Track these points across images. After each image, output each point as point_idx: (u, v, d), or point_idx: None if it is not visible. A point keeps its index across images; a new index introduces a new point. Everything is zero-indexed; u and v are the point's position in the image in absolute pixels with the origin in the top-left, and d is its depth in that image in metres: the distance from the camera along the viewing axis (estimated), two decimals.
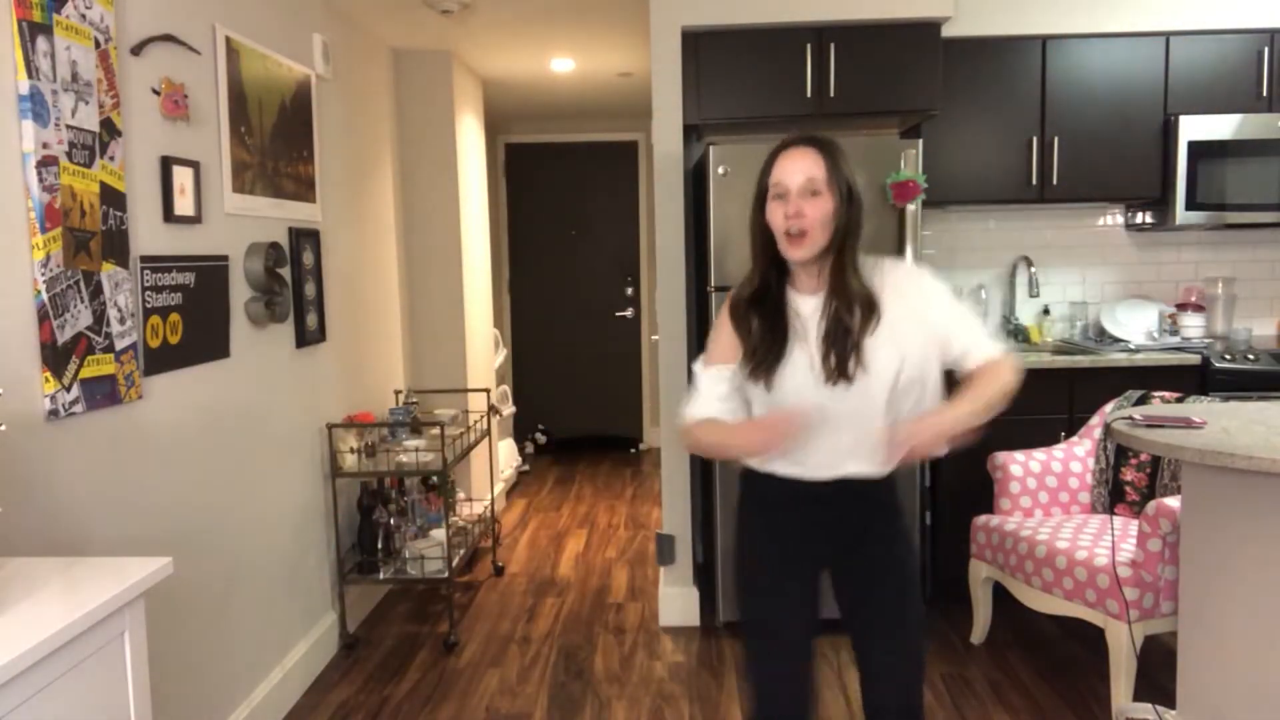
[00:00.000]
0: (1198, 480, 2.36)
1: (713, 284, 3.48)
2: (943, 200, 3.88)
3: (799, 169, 1.82)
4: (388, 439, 3.72)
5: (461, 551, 4.06)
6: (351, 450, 3.60)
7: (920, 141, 3.42)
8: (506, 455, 5.89)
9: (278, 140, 3.12)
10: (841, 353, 1.82)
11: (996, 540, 3.26)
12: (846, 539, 1.96)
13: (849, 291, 1.84)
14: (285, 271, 3.16)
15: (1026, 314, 4.23)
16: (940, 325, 1.88)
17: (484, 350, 5.37)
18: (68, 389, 2.06)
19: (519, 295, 7.05)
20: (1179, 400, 3.26)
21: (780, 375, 1.85)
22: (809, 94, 3.60)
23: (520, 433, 6.91)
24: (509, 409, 6.11)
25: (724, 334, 1.94)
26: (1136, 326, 4.07)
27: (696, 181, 3.79)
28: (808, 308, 1.88)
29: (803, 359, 1.85)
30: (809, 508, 1.94)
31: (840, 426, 1.86)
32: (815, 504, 1.93)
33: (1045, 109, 3.82)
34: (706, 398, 1.94)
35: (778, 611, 1.99)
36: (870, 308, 1.85)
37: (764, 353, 1.86)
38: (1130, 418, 2.40)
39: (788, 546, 1.99)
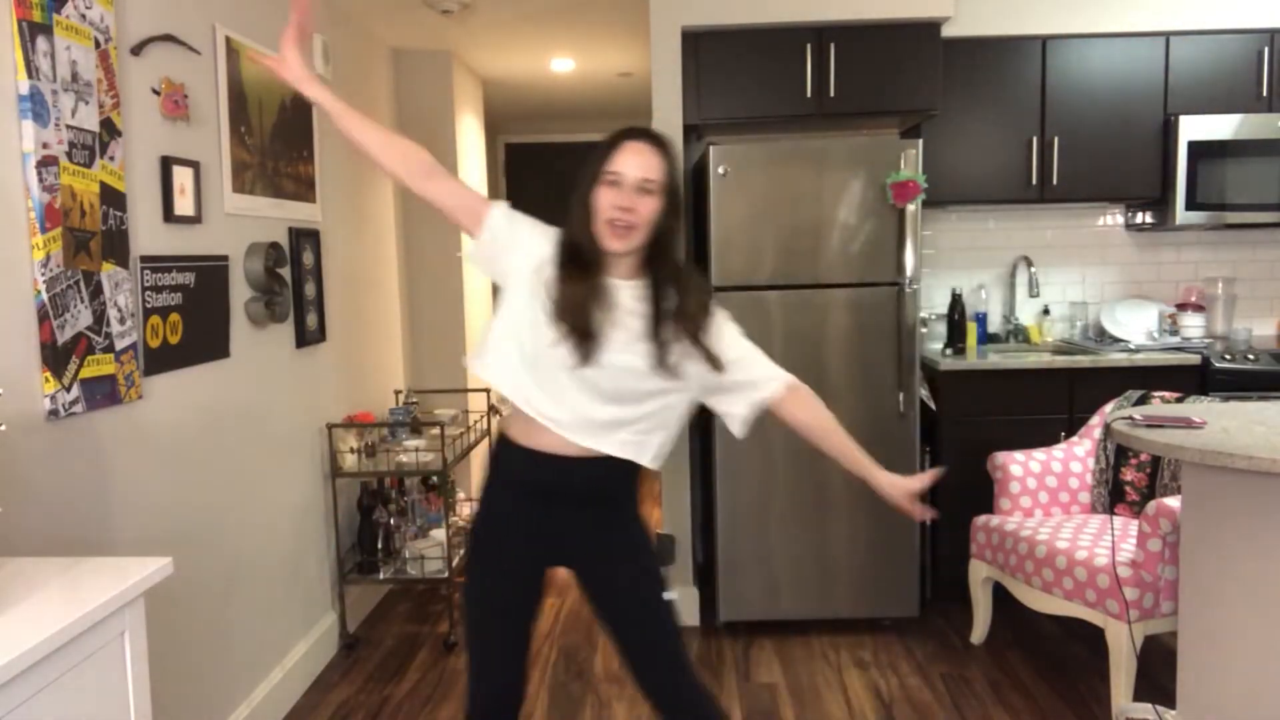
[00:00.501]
0: (1198, 480, 2.36)
1: (713, 284, 3.48)
2: (943, 200, 3.88)
3: (641, 164, 1.80)
4: (388, 439, 3.72)
5: (461, 551, 4.06)
6: (351, 450, 3.60)
7: (920, 141, 3.42)
8: None
9: (278, 140, 3.12)
10: (674, 344, 1.82)
11: (996, 540, 3.26)
12: (579, 524, 1.93)
13: (679, 280, 1.85)
14: (285, 271, 3.16)
15: (1026, 314, 4.23)
16: (731, 354, 1.89)
17: None
18: (68, 389, 2.05)
19: None
20: (1179, 400, 3.26)
21: (594, 354, 1.80)
22: (809, 94, 3.60)
23: None
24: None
25: (522, 229, 1.89)
26: (1136, 326, 4.07)
27: (696, 181, 3.79)
28: (622, 289, 1.84)
29: (617, 344, 1.81)
30: (547, 483, 1.90)
31: (597, 403, 1.83)
32: (555, 480, 1.90)
33: (1045, 109, 3.82)
34: (509, 336, 1.87)
35: (498, 586, 1.95)
36: (700, 300, 1.86)
37: (583, 330, 1.79)
38: (1130, 418, 2.40)
39: (518, 525, 1.94)
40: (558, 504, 1.92)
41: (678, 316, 1.84)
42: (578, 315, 1.79)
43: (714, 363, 1.85)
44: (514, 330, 1.86)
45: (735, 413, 1.95)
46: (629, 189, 1.79)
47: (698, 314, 1.85)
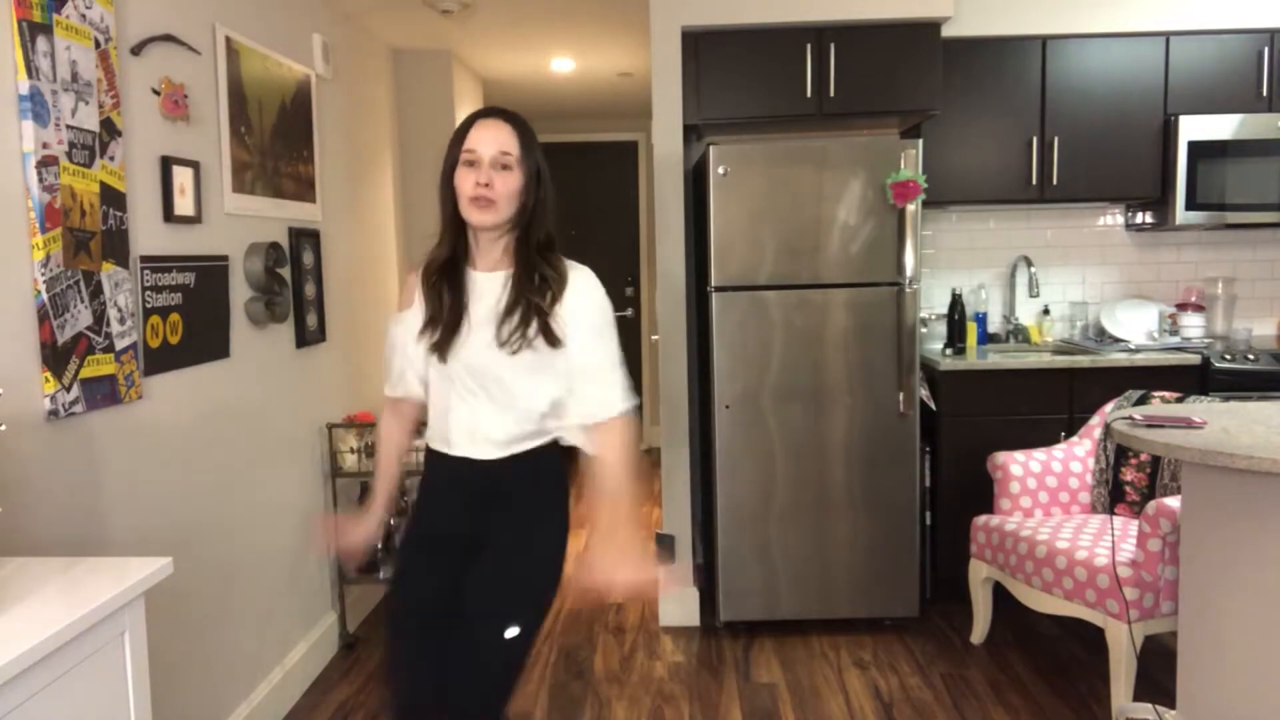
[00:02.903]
0: (1198, 480, 2.36)
1: (713, 284, 3.48)
2: (943, 200, 3.88)
3: (493, 140, 1.83)
4: None
5: None
6: (351, 450, 3.60)
7: (920, 141, 3.42)
8: None
9: (278, 140, 3.12)
10: (525, 325, 1.82)
11: (996, 540, 3.26)
12: (479, 522, 1.92)
13: (536, 266, 1.86)
14: (285, 271, 3.16)
15: (1026, 314, 4.23)
16: (581, 347, 1.87)
17: None
18: (68, 389, 2.05)
19: None
20: (1179, 400, 3.26)
21: (456, 348, 1.86)
22: (809, 94, 3.60)
23: None
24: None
25: (410, 289, 1.98)
26: (1136, 326, 4.07)
27: (696, 181, 3.79)
28: (486, 282, 1.89)
29: (480, 332, 1.85)
30: (456, 486, 1.94)
31: (496, 401, 1.86)
32: (461, 482, 1.92)
33: (1045, 109, 3.82)
34: (400, 354, 1.98)
35: (413, 586, 1.98)
36: (551, 282, 1.86)
37: (444, 324, 1.86)
38: (1130, 418, 2.40)
39: (435, 523, 1.99)
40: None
41: (528, 300, 1.84)
42: (434, 306, 1.88)
43: (551, 340, 1.84)
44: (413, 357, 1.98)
45: (570, 431, 1.92)
46: (486, 166, 1.82)
47: (543, 296, 1.85)
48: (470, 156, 1.83)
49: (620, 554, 1.81)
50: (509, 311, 1.84)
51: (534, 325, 1.83)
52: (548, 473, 1.95)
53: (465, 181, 1.83)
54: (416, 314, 1.92)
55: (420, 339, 1.89)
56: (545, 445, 1.92)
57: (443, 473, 1.96)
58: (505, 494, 1.91)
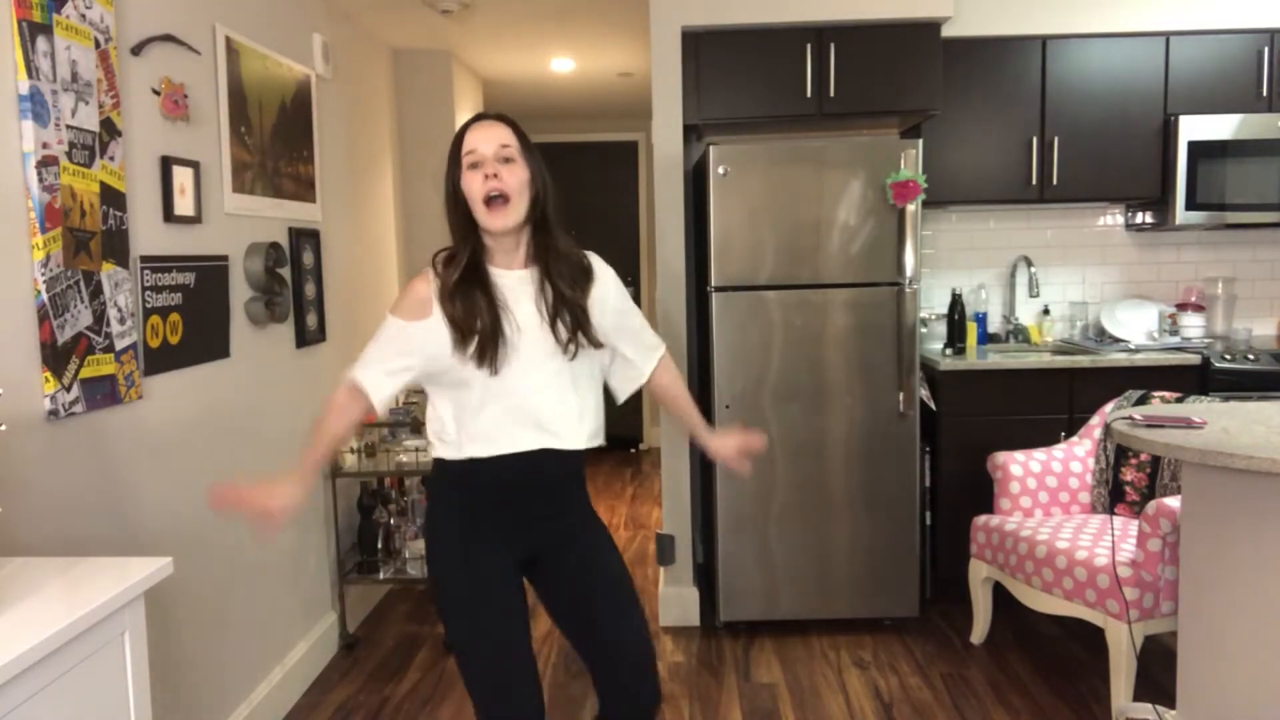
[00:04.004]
0: (1198, 480, 2.36)
1: (713, 284, 3.48)
2: (943, 200, 3.88)
3: (491, 137, 1.84)
4: (388, 439, 3.72)
5: None
6: (351, 450, 3.60)
7: (920, 141, 3.42)
8: None
9: (278, 140, 3.12)
10: (573, 319, 1.86)
11: (996, 540, 3.26)
12: (549, 519, 1.94)
13: (563, 255, 1.89)
14: (285, 271, 3.16)
15: (1026, 314, 4.23)
16: (624, 319, 2.00)
17: None
18: (68, 389, 2.06)
19: None
20: (1179, 400, 3.26)
21: (504, 356, 1.82)
22: (809, 94, 3.60)
23: None
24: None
25: (413, 303, 1.86)
26: (1136, 326, 4.07)
27: (696, 181, 3.79)
28: (511, 280, 1.87)
29: (527, 335, 1.84)
30: (510, 489, 1.89)
31: (550, 397, 1.87)
32: (517, 483, 1.89)
33: (1045, 109, 3.82)
34: (383, 361, 1.89)
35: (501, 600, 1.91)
36: (586, 274, 1.92)
37: (485, 336, 1.80)
38: (1130, 418, 2.40)
39: (496, 531, 1.90)
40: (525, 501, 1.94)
41: (565, 299, 1.87)
42: (468, 318, 1.81)
43: (593, 341, 1.90)
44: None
45: (619, 386, 2.07)
46: (491, 160, 1.82)
47: (578, 294, 1.89)
48: (472, 158, 1.83)
49: (719, 433, 2.15)
50: (556, 315, 1.86)
51: (583, 329, 1.88)
52: (582, 474, 2.02)
53: (473, 183, 1.82)
54: (439, 326, 1.83)
55: (457, 353, 1.81)
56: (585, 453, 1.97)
57: (493, 475, 1.88)
58: (567, 493, 1.96)
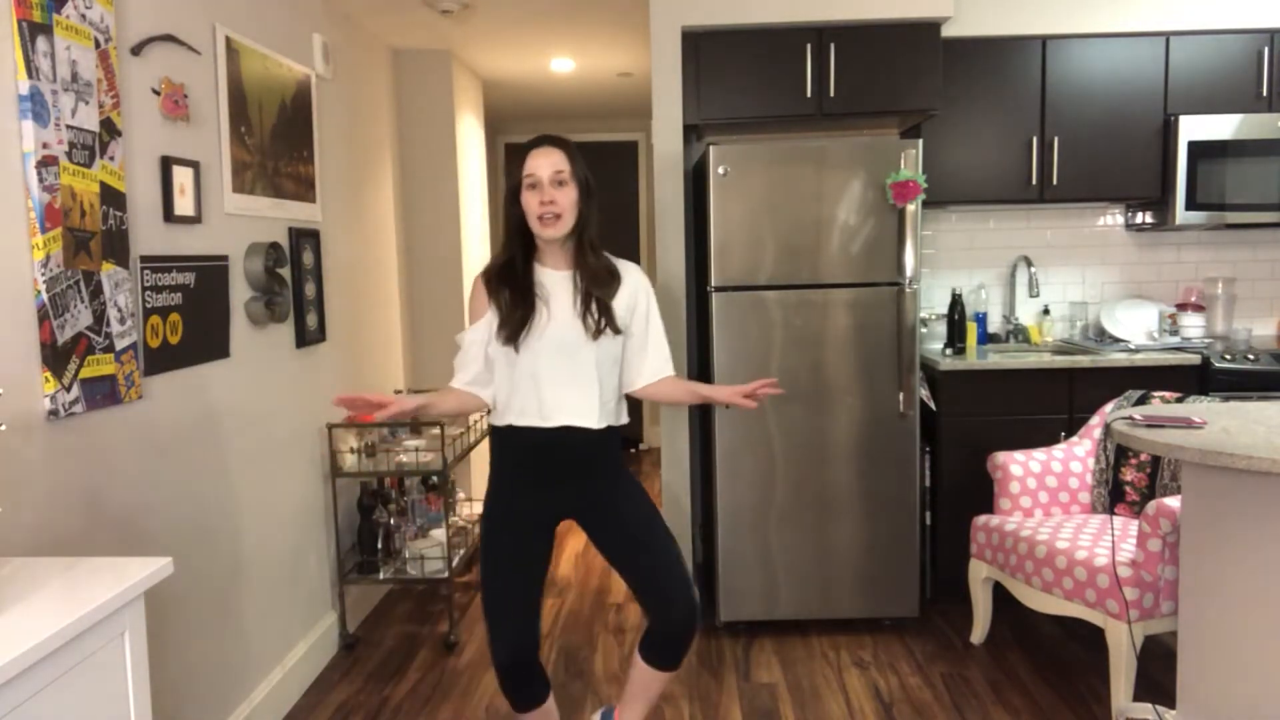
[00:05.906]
0: (1198, 480, 2.36)
1: (713, 284, 3.48)
2: (943, 200, 3.88)
3: (549, 163, 2.20)
4: (388, 439, 3.72)
5: (461, 551, 4.06)
6: (351, 450, 3.60)
7: (920, 141, 3.42)
8: None
9: (278, 140, 3.12)
10: (601, 310, 2.25)
11: (996, 540, 3.26)
12: (580, 483, 2.31)
13: (594, 263, 2.28)
14: (285, 271, 3.16)
15: (1026, 314, 4.23)
16: (641, 324, 2.37)
17: None
18: (68, 389, 2.06)
19: None
20: (1179, 400, 3.26)
21: (527, 338, 2.22)
22: (809, 94, 3.60)
23: None
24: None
25: (479, 300, 2.31)
26: (1136, 326, 4.07)
27: (696, 181, 3.79)
28: (554, 278, 2.28)
29: (556, 322, 2.23)
30: (540, 455, 2.28)
31: (574, 381, 2.25)
32: (545, 450, 2.27)
33: (1045, 109, 3.82)
34: (472, 354, 2.31)
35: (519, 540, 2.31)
36: (614, 277, 2.31)
37: (514, 318, 2.22)
38: (1130, 418, 2.40)
39: (527, 488, 2.30)
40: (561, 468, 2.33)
41: (594, 296, 2.26)
42: (512, 302, 2.24)
43: (615, 328, 2.28)
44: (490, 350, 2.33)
45: (625, 380, 2.41)
46: (547, 184, 2.19)
47: (606, 293, 2.28)
48: (531, 180, 2.20)
49: (711, 387, 2.48)
50: (586, 308, 2.24)
51: (606, 318, 2.25)
52: (617, 446, 2.38)
53: (531, 202, 2.21)
54: (491, 319, 2.27)
55: (500, 334, 2.24)
56: (617, 427, 2.36)
57: (527, 441, 2.27)
58: (591, 461, 2.31)
